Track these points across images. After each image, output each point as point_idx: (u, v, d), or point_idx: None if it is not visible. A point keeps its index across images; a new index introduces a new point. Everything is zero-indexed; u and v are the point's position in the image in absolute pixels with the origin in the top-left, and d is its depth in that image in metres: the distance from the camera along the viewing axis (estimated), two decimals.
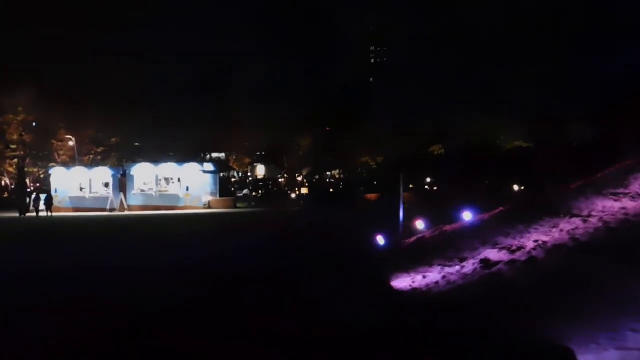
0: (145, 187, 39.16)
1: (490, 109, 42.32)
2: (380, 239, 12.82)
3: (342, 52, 56.29)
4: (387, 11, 51.11)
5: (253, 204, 39.89)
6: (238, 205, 38.71)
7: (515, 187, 39.53)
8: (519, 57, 41.95)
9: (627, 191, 8.74)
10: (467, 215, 15.42)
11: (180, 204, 37.21)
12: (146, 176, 39.35)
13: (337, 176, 52.01)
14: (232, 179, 48.86)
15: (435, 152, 46.71)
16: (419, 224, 14.86)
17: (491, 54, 44.77)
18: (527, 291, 6.33)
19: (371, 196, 38.38)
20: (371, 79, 57.42)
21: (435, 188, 42.58)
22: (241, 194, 44.12)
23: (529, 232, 8.56)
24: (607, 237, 7.16)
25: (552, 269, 6.75)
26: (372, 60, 55.72)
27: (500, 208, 11.95)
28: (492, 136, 44.30)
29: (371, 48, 56.88)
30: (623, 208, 8.02)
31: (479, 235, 9.71)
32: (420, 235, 12.70)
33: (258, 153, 57.52)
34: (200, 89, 50.63)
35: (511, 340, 4.88)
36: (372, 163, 48.47)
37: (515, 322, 5.63)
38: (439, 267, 8.19)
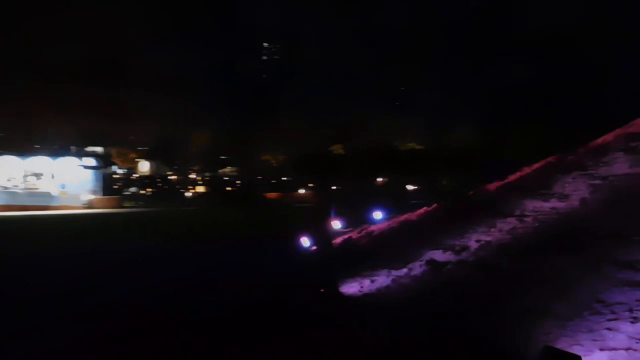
0: (9, 184, 35.00)
1: (391, 110, 44.36)
2: (305, 241, 12.59)
3: (248, 46, 55.16)
4: (298, 6, 50.96)
5: (142, 203, 37.52)
6: (125, 204, 36.17)
7: (410, 187, 41.84)
8: (424, 62, 44.40)
9: (552, 192, 9.40)
10: (378, 215, 15.93)
11: (55, 204, 33.80)
12: (10, 171, 35.23)
13: (233, 174, 51.02)
14: (116, 176, 45.60)
15: (336, 152, 47.90)
16: (335, 224, 14.95)
17: (397, 56, 46.89)
18: (487, 292, 6.48)
19: (272, 195, 38.15)
20: (264, 75, 56.95)
21: (334, 188, 43.45)
22: (128, 193, 41.31)
23: (468, 233, 8.87)
24: (548, 236, 7.60)
25: (506, 269, 7.00)
26: (276, 56, 55.43)
27: (426, 208, 12.35)
28: (390, 138, 46.42)
29: (265, 45, 56.29)
30: (554, 208, 8.61)
31: (415, 236, 9.91)
32: (347, 237, 12.71)
33: (144, 148, 54.38)
34: (81, 78, 46.43)
35: (509, 347, 4.89)
36: (273, 162, 48.35)
37: (486, 324, 5.72)
38: (386, 270, 8.16)
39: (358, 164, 43.66)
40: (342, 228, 14.63)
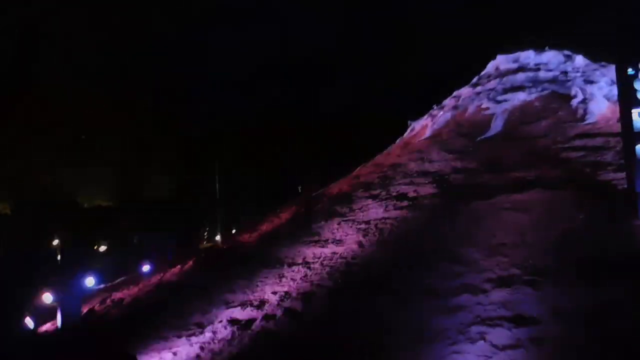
0: None
1: (73, 163, 40.64)
2: (29, 322, 10.22)
3: None
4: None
5: None
6: None
7: (102, 248, 39.06)
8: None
9: (321, 239, 10.29)
10: (90, 282, 14.56)
11: None
12: None
13: None
14: None
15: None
16: (47, 298, 12.83)
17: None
18: (316, 342, 6.61)
19: None
20: None
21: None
22: None
23: (258, 286, 8.85)
24: (347, 278, 8.26)
25: (320, 316, 7.29)
26: None
27: (181, 266, 11.68)
28: (72, 193, 42.30)
29: None
30: (335, 253, 9.44)
31: (190, 297, 9.23)
32: (87, 311, 10.83)
33: None
34: None
35: None
36: None
37: None
38: (184, 339, 7.39)
39: (28, 224, 38.14)
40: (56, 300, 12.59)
